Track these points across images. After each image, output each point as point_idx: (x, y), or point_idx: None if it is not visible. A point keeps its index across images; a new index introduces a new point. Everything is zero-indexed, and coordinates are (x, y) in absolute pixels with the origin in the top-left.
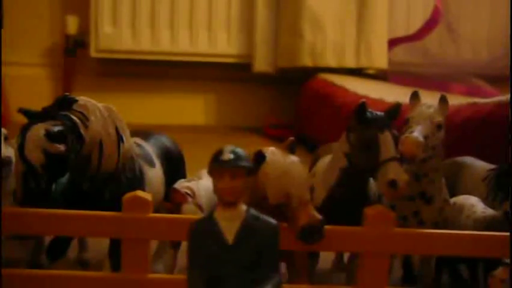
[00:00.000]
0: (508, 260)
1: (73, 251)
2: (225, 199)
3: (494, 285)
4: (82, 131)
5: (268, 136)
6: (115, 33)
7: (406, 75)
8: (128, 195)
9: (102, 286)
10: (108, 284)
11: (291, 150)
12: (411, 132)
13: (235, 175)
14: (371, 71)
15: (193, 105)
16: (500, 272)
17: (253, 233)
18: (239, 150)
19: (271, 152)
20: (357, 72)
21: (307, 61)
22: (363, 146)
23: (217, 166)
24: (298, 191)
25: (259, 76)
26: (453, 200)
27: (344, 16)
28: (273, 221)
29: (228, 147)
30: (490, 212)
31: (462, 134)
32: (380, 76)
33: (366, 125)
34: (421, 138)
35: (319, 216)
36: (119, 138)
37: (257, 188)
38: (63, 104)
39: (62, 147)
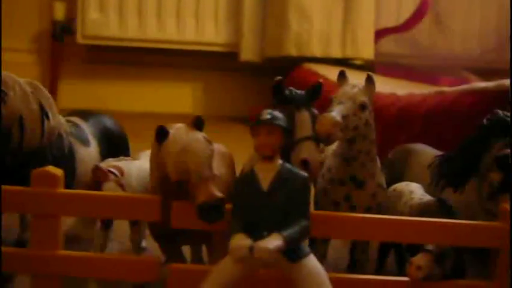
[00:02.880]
0: (430, 247)
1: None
2: (262, 153)
3: (410, 271)
4: None
5: None
6: (102, 20)
7: (394, 66)
8: (37, 170)
9: (12, 262)
10: (18, 260)
11: (197, 126)
12: (331, 111)
13: (271, 132)
14: (358, 62)
15: (179, 93)
16: (417, 259)
17: (285, 182)
18: (276, 113)
19: (175, 128)
20: (344, 63)
21: (292, 51)
22: None
23: (255, 124)
24: (197, 167)
25: (246, 65)
26: (394, 186)
27: (331, 6)
28: (303, 173)
29: (267, 110)
30: (426, 198)
31: (426, 123)
32: (368, 67)
33: (283, 102)
34: (338, 118)
35: (219, 195)
36: (44, 115)
37: (160, 165)
38: None
39: None
